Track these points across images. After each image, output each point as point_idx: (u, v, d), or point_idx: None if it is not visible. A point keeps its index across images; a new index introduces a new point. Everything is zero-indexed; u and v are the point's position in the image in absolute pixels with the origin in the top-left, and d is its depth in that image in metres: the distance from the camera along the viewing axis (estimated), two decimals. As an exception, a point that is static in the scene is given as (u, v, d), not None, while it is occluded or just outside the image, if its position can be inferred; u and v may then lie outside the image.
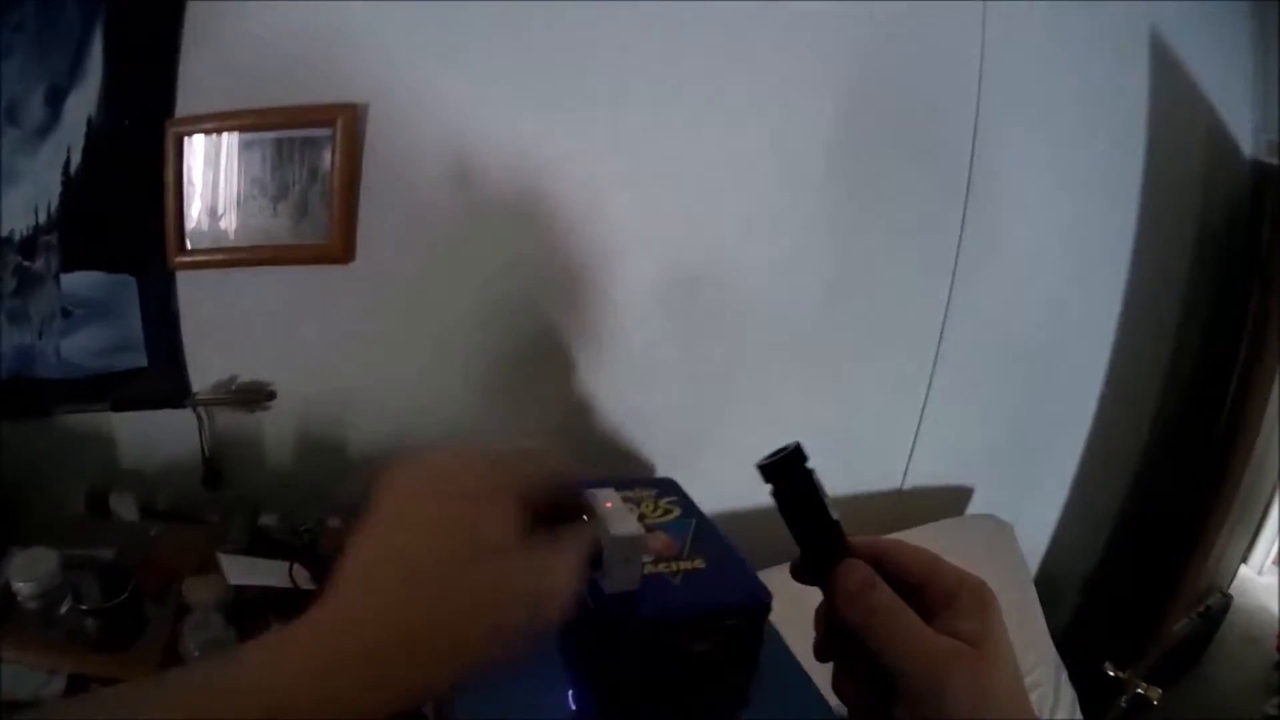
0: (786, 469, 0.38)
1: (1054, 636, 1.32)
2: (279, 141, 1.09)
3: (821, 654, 0.40)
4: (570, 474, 0.37)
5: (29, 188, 1.18)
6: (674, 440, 1.23)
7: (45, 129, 1.16)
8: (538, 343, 1.18)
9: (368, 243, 1.12)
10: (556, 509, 0.36)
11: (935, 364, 1.30)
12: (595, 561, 0.64)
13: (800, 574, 0.39)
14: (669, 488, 0.82)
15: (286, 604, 0.94)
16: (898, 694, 0.34)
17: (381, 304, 1.16)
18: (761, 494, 0.70)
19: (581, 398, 1.20)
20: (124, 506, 1.23)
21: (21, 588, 0.94)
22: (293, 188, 1.11)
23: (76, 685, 0.87)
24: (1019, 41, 1.22)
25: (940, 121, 1.24)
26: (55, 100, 1.16)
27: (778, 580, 0.57)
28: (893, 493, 1.37)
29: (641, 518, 0.73)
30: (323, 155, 1.09)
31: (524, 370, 1.19)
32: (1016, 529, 1.37)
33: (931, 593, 0.35)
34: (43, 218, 1.18)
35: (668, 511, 0.78)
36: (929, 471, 1.39)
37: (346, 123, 1.07)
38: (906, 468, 1.36)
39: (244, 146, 1.11)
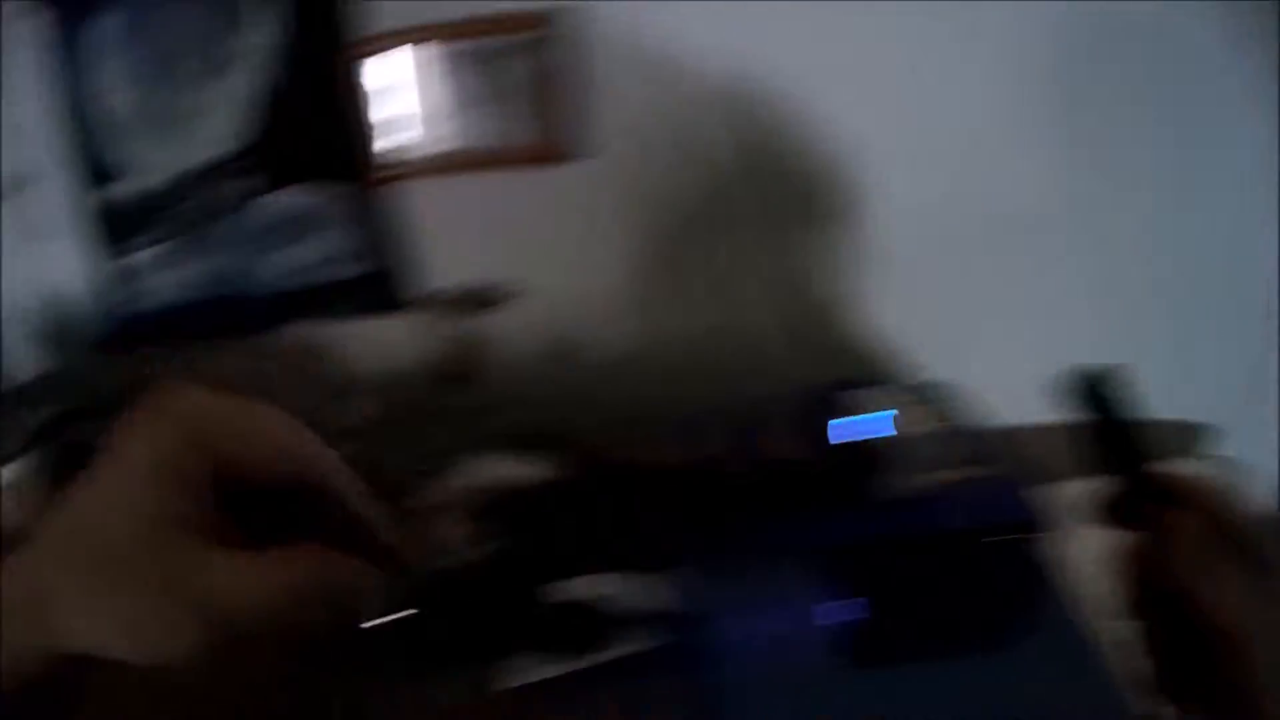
0: (1107, 390, 0.34)
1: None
2: (490, 49, 1.07)
3: (1136, 612, 0.35)
4: (306, 455, 0.27)
5: (218, 117, 1.22)
6: (932, 350, 1.13)
7: (230, 56, 1.20)
8: (783, 249, 1.11)
9: (600, 141, 1.08)
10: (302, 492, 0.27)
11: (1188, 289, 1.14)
12: (873, 467, 0.59)
13: (1110, 514, 0.34)
14: (945, 394, 0.78)
15: (532, 504, 0.90)
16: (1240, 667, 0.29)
17: (612, 204, 1.12)
18: (1025, 410, 0.63)
19: (836, 302, 1.13)
20: (349, 416, 1.22)
21: None
22: (518, 89, 1.08)
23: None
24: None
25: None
26: (237, 27, 1.18)
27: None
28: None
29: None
30: (540, 58, 1.06)
31: (771, 275, 1.13)
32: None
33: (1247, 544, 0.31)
34: (237, 143, 1.22)
35: (941, 417, 0.74)
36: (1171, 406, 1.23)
37: (564, 25, 1.03)
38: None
39: (456, 54, 1.09)
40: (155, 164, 1.28)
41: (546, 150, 1.10)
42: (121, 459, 0.25)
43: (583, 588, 0.71)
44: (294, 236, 1.25)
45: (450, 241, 1.20)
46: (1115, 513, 0.34)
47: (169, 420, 0.25)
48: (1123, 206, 1.10)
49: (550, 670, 0.64)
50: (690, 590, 0.69)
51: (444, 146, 1.13)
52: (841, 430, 0.68)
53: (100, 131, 1.28)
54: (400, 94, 1.13)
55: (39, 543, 0.25)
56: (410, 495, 0.90)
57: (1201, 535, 0.31)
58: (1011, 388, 0.72)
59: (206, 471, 0.25)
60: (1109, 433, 0.34)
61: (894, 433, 0.65)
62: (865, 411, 0.69)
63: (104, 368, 1.36)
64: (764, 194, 1.09)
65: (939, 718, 0.53)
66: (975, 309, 1.13)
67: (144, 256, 1.34)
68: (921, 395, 0.76)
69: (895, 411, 0.68)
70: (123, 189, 1.30)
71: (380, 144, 1.15)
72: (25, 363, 1.51)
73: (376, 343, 1.25)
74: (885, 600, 0.57)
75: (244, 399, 0.27)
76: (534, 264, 1.17)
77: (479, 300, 1.19)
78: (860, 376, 0.84)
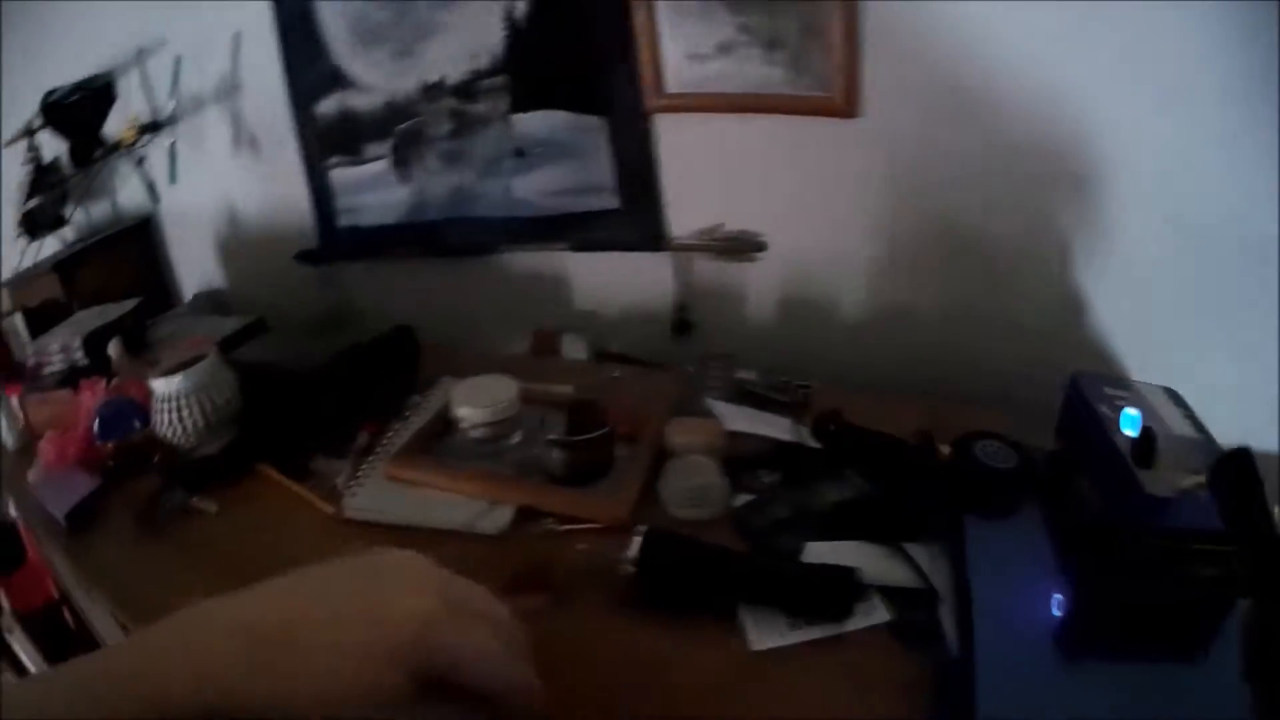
0: (1235, 471, 0.37)
1: None
2: None
3: (1254, 676, 0.40)
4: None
5: (458, 35, 1.20)
6: (1142, 351, 1.06)
7: None
8: (1031, 233, 1.04)
9: (870, 99, 1.02)
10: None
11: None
12: (1144, 459, 0.60)
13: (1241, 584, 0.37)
14: (1177, 399, 0.74)
15: (779, 460, 0.86)
16: None
17: (883, 164, 1.06)
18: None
19: (1070, 297, 1.07)
20: (575, 348, 1.24)
21: (468, 414, 0.89)
22: (789, 38, 1.02)
23: (524, 517, 0.82)
24: None
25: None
26: None
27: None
28: None
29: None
30: (819, 7, 0.98)
31: (1018, 258, 1.06)
32: None
33: None
34: (484, 63, 1.20)
35: (1194, 422, 0.70)
36: None
37: None
38: None
39: None
40: (395, 74, 1.27)
41: (820, 103, 1.04)
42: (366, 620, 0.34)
43: (834, 553, 0.72)
44: (539, 160, 1.23)
45: (705, 185, 1.17)
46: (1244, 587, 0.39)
47: (414, 617, 0.35)
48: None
49: (796, 635, 0.65)
50: (935, 567, 0.70)
51: (723, 86, 1.08)
52: (1128, 420, 0.65)
53: (328, 41, 1.29)
54: (675, 25, 1.07)
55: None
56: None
57: None
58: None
59: (421, 669, 0.34)
60: (1238, 510, 0.39)
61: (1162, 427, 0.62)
62: (1128, 404, 0.66)
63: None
64: (1019, 183, 1.02)
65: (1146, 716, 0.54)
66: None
67: (377, 168, 1.36)
68: (1173, 398, 0.72)
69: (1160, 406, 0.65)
70: (358, 99, 1.32)
71: (655, 74, 1.11)
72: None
73: (620, 278, 1.25)
74: (1113, 595, 0.58)
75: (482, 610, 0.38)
76: (787, 218, 1.14)
77: (733, 247, 1.16)
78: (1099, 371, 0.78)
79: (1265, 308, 0.93)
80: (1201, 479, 0.61)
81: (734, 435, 0.87)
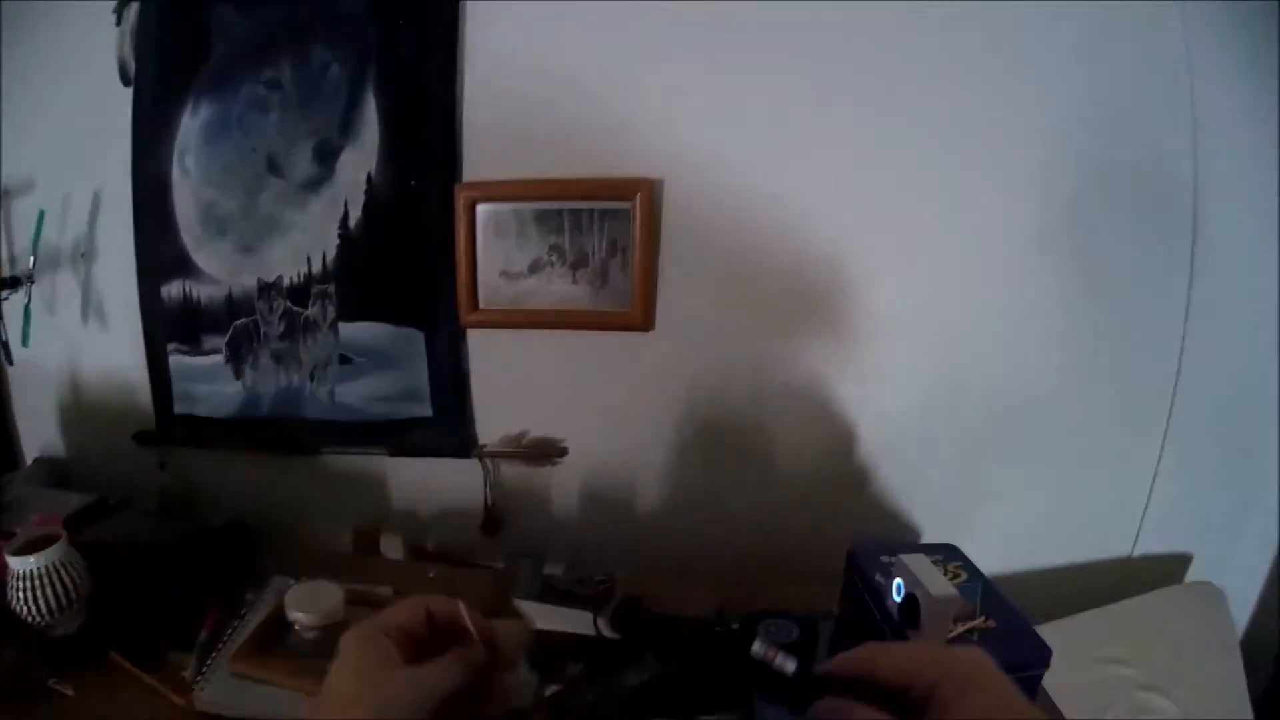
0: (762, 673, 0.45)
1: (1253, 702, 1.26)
2: (577, 212, 1.15)
3: None
4: (444, 610, 0.47)
5: (299, 237, 1.26)
6: (930, 507, 1.26)
7: (316, 183, 1.24)
8: (818, 410, 1.20)
9: (665, 313, 1.16)
10: (449, 633, 0.47)
11: (1168, 427, 1.27)
12: (909, 620, 0.69)
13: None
14: (953, 553, 0.88)
15: (587, 651, 0.95)
16: None
17: (677, 371, 1.19)
18: (1022, 557, 0.96)
19: (858, 468, 1.23)
20: (392, 547, 1.31)
21: (301, 618, 0.97)
22: (593, 256, 1.16)
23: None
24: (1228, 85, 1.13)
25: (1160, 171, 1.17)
26: (326, 156, 1.23)
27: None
28: (1121, 560, 1.36)
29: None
30: (623, 227, 1.13)
31: (807, 437, 1.21)
32: (1228, 594, 1.32)
33: (916, 692, 0.39)
34: (316, 268, 1.26)
35: (956, 575, 0.85)
36: (1155, 539, 1.36)
37: (645, 196, 1.11)
38: (1137, 536, 1.35)
39: (540, 215, 1.16)
40: (236, 270, 1.31)
41: (619, 318, 1.17)
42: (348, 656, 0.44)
43: None
44: (363, 369, 1.29)
45: (511, 395, 1.26)
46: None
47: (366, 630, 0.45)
48: (1097, 351, 1.22)
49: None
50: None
51: (531, 303, 1.19)
52: (895, 589, 0.77)
53: (179, 224, 1.30)
54: (491, 245, 1.18)
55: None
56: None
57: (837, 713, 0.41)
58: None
59: (397, 635, 0.44)
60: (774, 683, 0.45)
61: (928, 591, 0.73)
62: (894, 573, 0.78)
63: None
64: (809, 367, 1.19)
65: None
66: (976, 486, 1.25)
67: (209, 361, 1.36)
68: (948, 554, 0.87)
69: (925, 571, 0.76)
70: (201, 289, 1.33)
71: (470, 291, 1.20)
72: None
73: (434, 479, 1.30)
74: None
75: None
76: (586, 423, 1.25)
77: (536, 452, 1.26)
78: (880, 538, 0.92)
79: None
80: (967, 625, 0.72)
81: (541, 631, 0.97)
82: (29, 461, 1.60)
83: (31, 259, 1.42)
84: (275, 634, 1.02)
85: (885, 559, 0.84)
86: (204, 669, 0.97)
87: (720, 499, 1.23)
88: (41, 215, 1.40)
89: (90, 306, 1.48)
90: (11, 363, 1.53)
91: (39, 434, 1.61)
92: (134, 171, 1.32)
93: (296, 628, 0.99)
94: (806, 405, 1.20)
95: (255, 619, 1.05)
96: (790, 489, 1.21)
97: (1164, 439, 1.27)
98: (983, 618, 0.76)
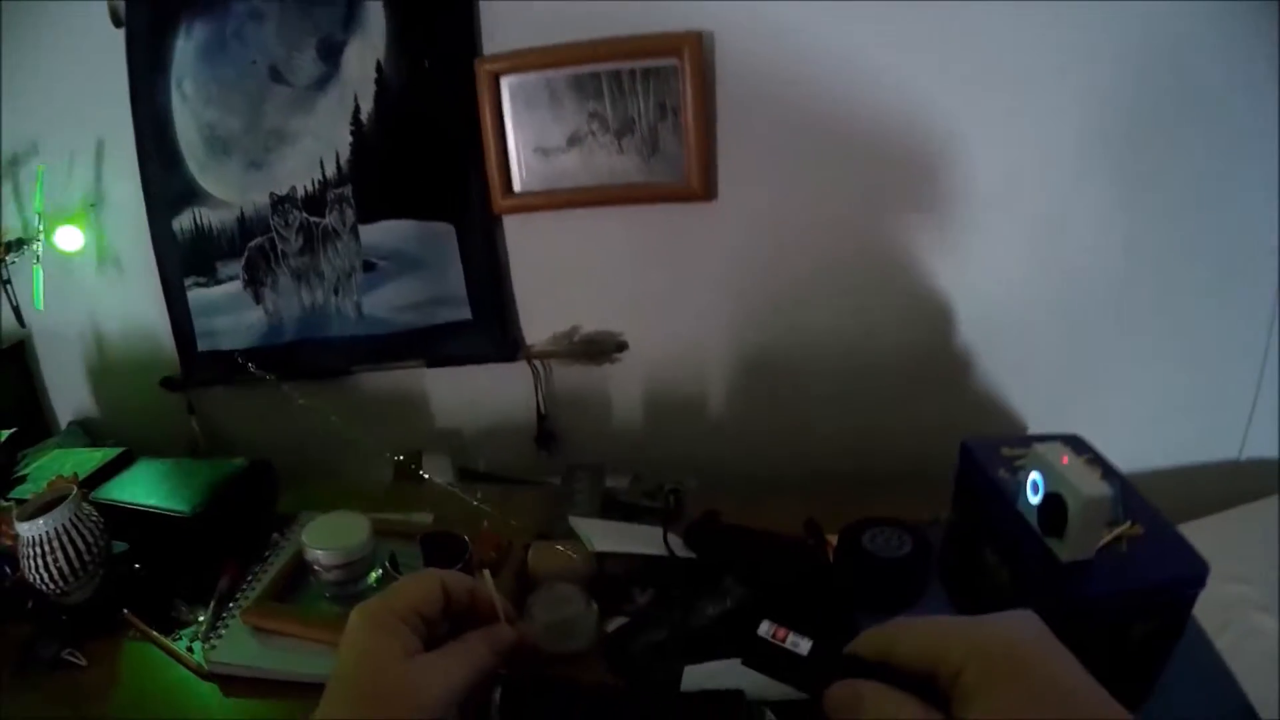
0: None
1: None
2: (616, 74, 1.02)
3: None
4: (460, 586, 0.41)
5: (309, 143, 1.18)
6: (1033, 400, 1.12)
7: (322, 81, 1.15)
8: (904, 291, 1.07)
9: (726, 180, 1.04)
10: (468, 610, 0.42)
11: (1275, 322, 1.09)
12: (1053, 526, 0.58)
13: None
14: (1080, 445, 0.74)
15: (653, 575, 0.83)
16: None
17: (743, 246, 1.07)
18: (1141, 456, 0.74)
19: (956, 355, 1.09)
20: (440, 469, 1.20)
21: (320, 557, 0.86)
22: (639, 121, 1.03)
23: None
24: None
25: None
26: (329, 53, 1.14)
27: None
28: (1229, 464, 1.20)
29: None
30: (670, 87, 1.01)
31: (890, 320, 1.09)
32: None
33: (941, 678, 0.32)
34: (331, 171, 1.18)
35: (1099, 467, 0.71)
36: (1262, 444, 1.19)
37: (693, 51, 0.98)
38: (1244, 437, 1.19)
39: (574, 81, 1.03)
40: (245, 189, 1.24)
41: (675, 189, 1.05)
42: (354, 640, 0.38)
43: (713, 677, 0.68)
44: (388, 273, 1.19)
45: (559, 287, 1.15)
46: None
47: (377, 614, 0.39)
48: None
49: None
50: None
51: (573, 180, 1.07)
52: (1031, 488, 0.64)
53: (183, 153, 1.24)
54: (522, 119, 1.07)
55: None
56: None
57: (848, 703, 0.34)
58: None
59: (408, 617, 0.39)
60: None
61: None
62: (1027, 467, 0.65)
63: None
64: (891, 237, 1.05)
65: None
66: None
67: (227, 290, 1.30)
68: (1074, 446, 0.71)
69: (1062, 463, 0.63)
70: (212, 215, 1.27)
71: (502, 174, 1.09)
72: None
73: (479, 392, 1.21)
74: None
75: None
76: (646, 313, 1.13)
77: (592, 350, 1.15)
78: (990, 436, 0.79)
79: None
80: (1116, 532, 0.61)
81: (602, 556, 0.84)
82: (63, 427, 1.56)
83: (37, 218, 1.39)
84: (295, 579, 0.92)
85: (1009, 451, 0.72)
86: (217, 624, 0.89)
87: (803, 394, 1.11)
88: (41, 173, 1.36)
89: (104, 256, 1.43)
90: (24, 325, 1.51)
91: (71, 399, 1.59)
92: (134, 109, 1.26)
93: (316, 568, 0.87)
94: (896, 282, 1.07)
95: (278, 564, 0.96)
96: (878, 379, 1.09)
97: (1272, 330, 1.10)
98: (1128, 521, 0.64)
